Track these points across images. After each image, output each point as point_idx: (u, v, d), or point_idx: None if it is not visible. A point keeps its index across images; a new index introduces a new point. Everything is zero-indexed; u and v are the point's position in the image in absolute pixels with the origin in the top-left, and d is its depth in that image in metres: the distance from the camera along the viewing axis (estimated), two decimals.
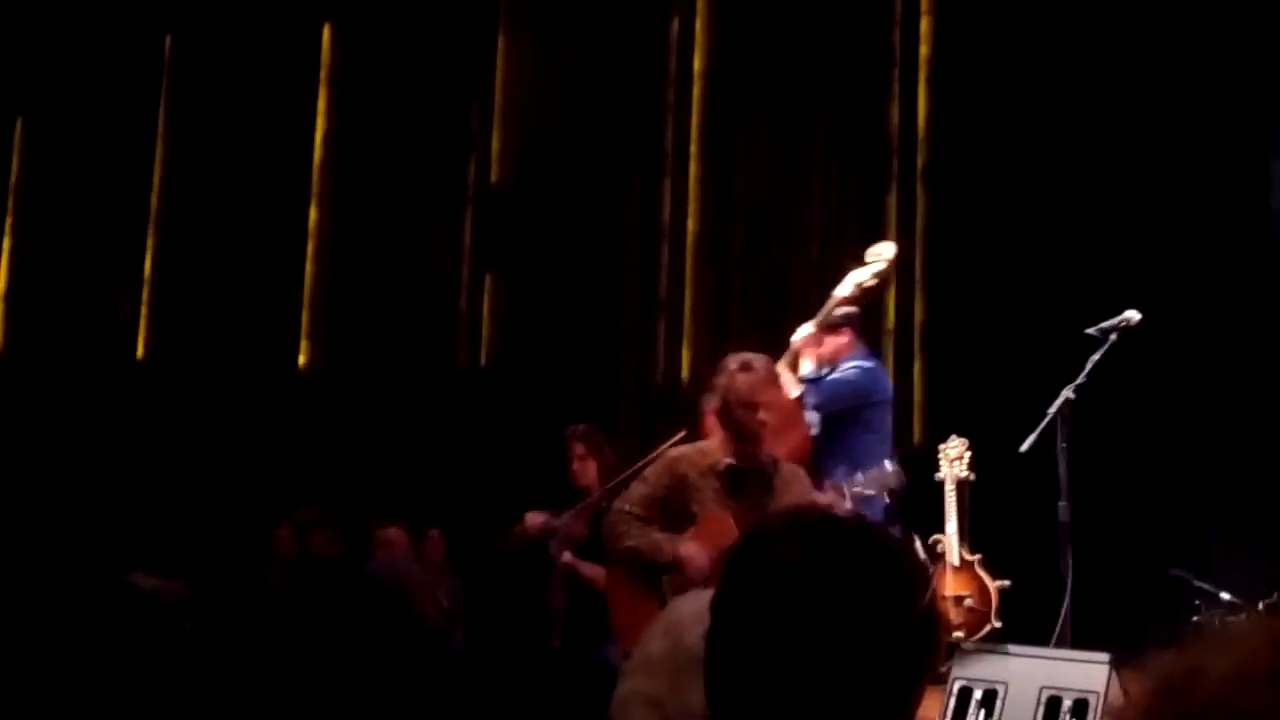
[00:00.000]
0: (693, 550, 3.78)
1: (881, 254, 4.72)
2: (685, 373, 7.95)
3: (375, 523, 5.47)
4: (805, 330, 4.71)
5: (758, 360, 3.93)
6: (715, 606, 1.17)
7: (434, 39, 7.96)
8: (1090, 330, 4.28)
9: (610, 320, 8.00)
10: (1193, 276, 6.30)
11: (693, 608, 1.47)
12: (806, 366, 4.64)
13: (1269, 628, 0.91)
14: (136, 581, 4.86)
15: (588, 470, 5.06)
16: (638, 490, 3.93)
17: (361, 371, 7.74)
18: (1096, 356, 4.03)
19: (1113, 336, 4.12)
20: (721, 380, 3.89)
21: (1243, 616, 5.05)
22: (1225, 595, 5.27)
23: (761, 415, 3.81)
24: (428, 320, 7.99)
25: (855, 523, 1.34)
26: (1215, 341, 6.30)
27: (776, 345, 7.91)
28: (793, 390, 4.67)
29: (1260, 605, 5.13)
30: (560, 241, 8.00)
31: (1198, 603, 5.30)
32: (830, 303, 4.69)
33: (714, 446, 3.95)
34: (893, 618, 1.13)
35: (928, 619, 1.18)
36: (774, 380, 4.06)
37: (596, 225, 8.05)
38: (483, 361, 8.18)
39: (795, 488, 3.84)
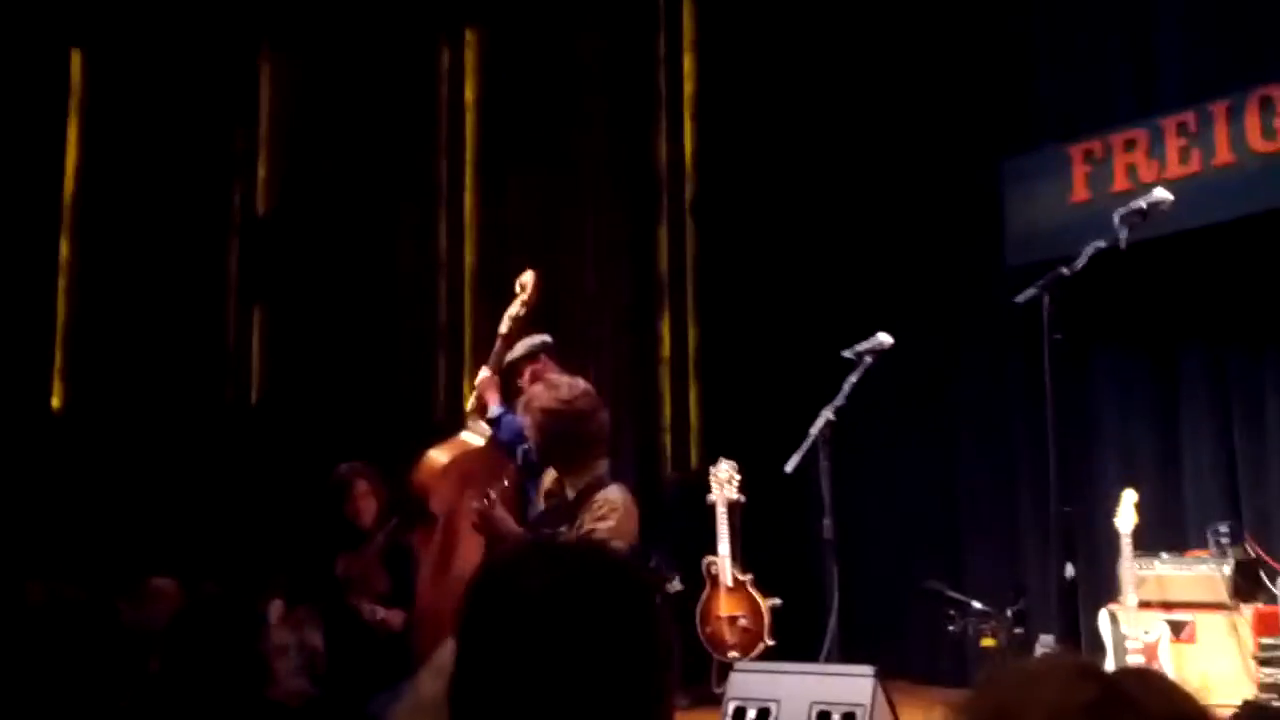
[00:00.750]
0: None
1: (524, 282, 4.85)
2: (468, 406, 7.89)
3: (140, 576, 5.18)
4: (483, 374, 4.75)
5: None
6: (460, 637, 1.17)
7: (193, 63, 7.69)
8: (846, 353, 4.52)
9: (387, 354, 7.89)
10: (937, 300, 6.73)
11: None
12: (493, 409, 4.69)
13: (1074, 661, 0.97)
14: None
15: (368, 509, 4.86)
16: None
17: (121, 412, 7.37)
18: (853, 378, 4.26)
19: (867, 358, 4.36)
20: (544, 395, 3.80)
21: (991, 623, 5.36)
22: (976, 604, 5.60)
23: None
24: (192, 356, 7.68)
25: (593, 549, 1.40)
26: (958, 360, 6.72)
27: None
28: (477, 439, 4.73)
29: (1008, 611, 5.48)
30: (332, 273, 7.84)
31: (952, 612, 5.62)
32: (498, 344, 4.74)
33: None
34: (637, 640, 1.15)
35: (665, 639, 1.22)
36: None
37: (370, 256, 7.93)
38: (253, 398, 7.92)
39: None
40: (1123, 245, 3.43)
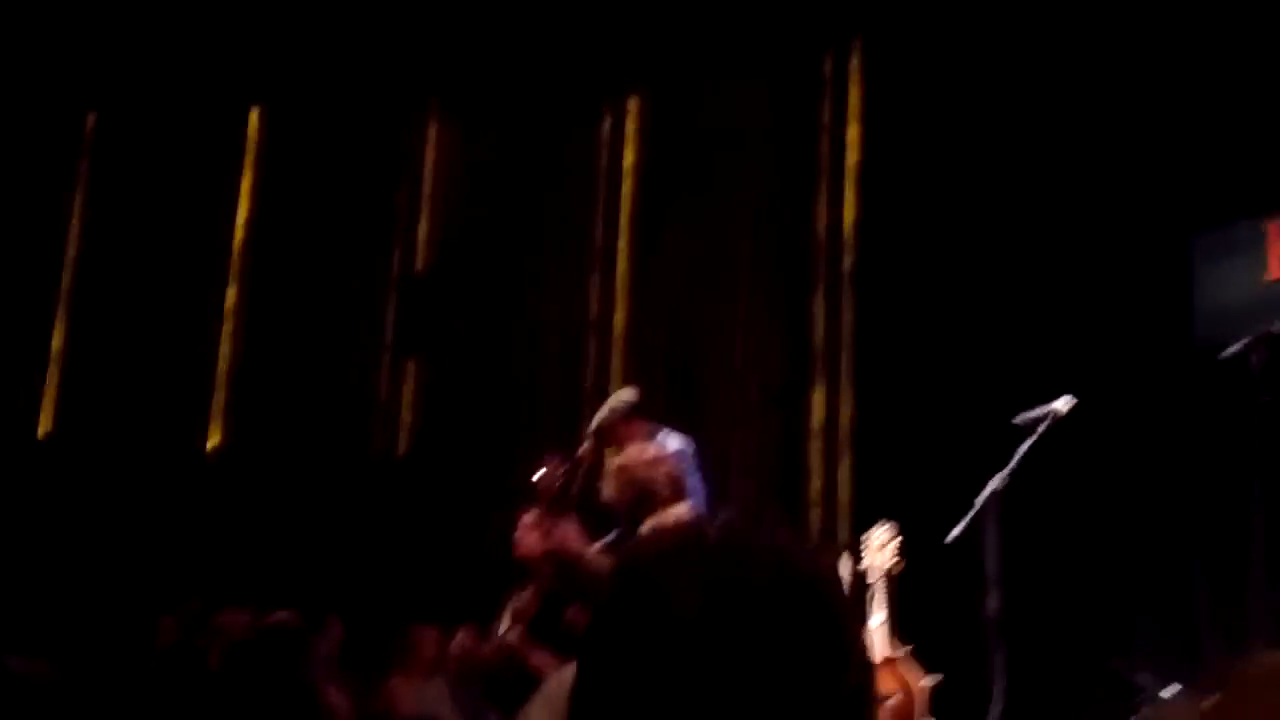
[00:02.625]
0: None
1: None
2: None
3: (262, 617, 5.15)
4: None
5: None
6: (584, 666, 0.91)
7: (362, 124, 7.90)
8: (1016, 420, 4.20)
9: (533, 413, 7.84)
10: (1119, 372, 6.32)
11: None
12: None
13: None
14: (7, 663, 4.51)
15: (531, 543, 4.67)
16: None
17: (272, 456, 7.46)
18: (1024, 447, 3.93)
19: (1041, 427, 4.03)
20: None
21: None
22: (1168, 692, 5.09)
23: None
24: (344, 407, 7.76)
25: (769, 548, 0.94)
26: (1139, 437, 6.31)
27: (698, 445, 7.83)
28: None
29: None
30: (485, 331, 7.87)
31: (1137, 701, 5.14)
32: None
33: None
34: (822, 686, 0.87)
35: (862, 683, 0.91)
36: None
37: (522, 316, 7.94)
38: (400, 450, 7.95)
39: None
40: None
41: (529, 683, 4.25)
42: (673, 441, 5.01)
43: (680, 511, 3.45)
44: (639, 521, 3.51)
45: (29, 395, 7.43)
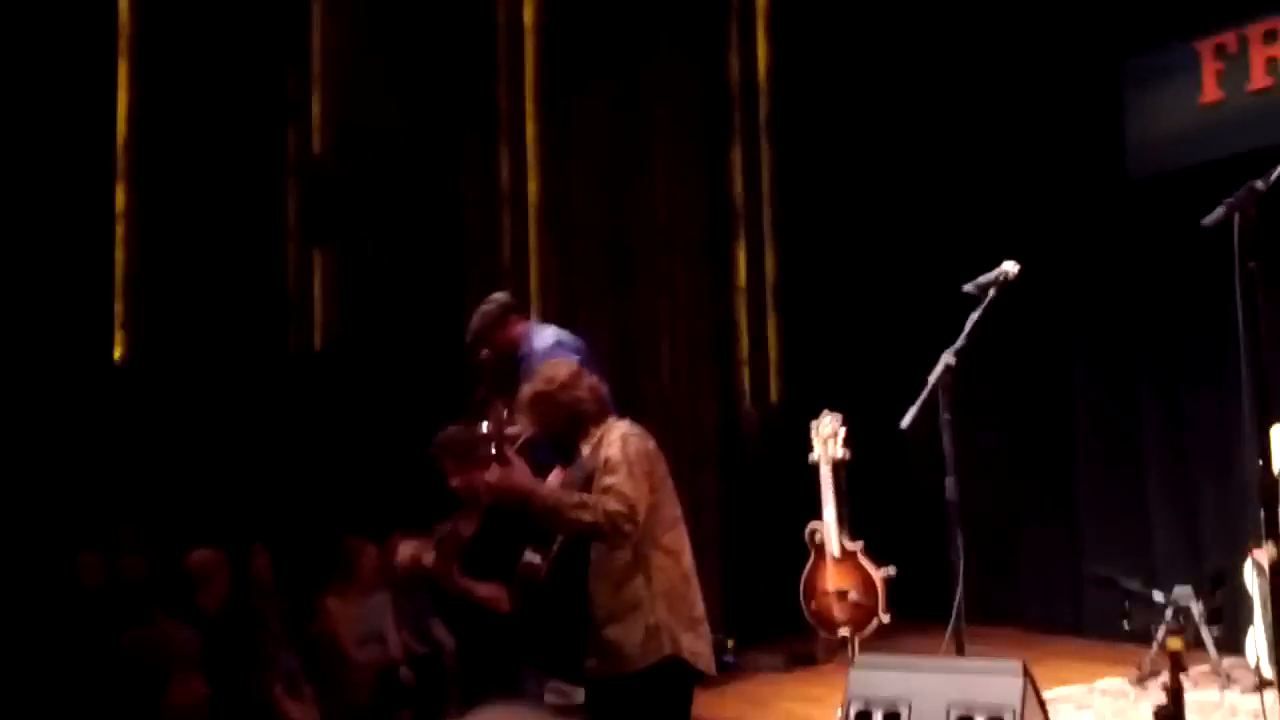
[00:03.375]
0: None
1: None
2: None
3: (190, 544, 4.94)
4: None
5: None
6: None
7: (241, 2, 7.37)
8: (968, 287, 3.97)
9: (451, 293, 7.58)
10: (1053, 219, 6.15)
11: None
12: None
13: None
14: None
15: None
16: None
17: (184, 362, 7.16)
18: (976, 315, 3.73)
19: (991, 293, 3.83)
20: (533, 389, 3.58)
21: (1178, 621, 4.80)
22: (1158, 596, 5.02)
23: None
24: (254, 304, 7.44)
25: None
26: (1078, 290, 6.19)
27: (624, 314, 7.65)
28: None
29: (1197, 606, 4.86)
30: (393, 213, 7.53)
31: (1127, 605, 5.07)
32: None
33: None
34: None
35: None
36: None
37: (430, 194, 7.60)
38: (316, 345, 7.67)
39: None
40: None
41: (466, 605, 4.12)
42: (547, 334, 4.84)
43: (619, 429, 3.37)
44: (573, 444, 3.44)
45: None
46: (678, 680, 3.25)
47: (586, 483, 3.29)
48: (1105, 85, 5.86)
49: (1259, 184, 2.82)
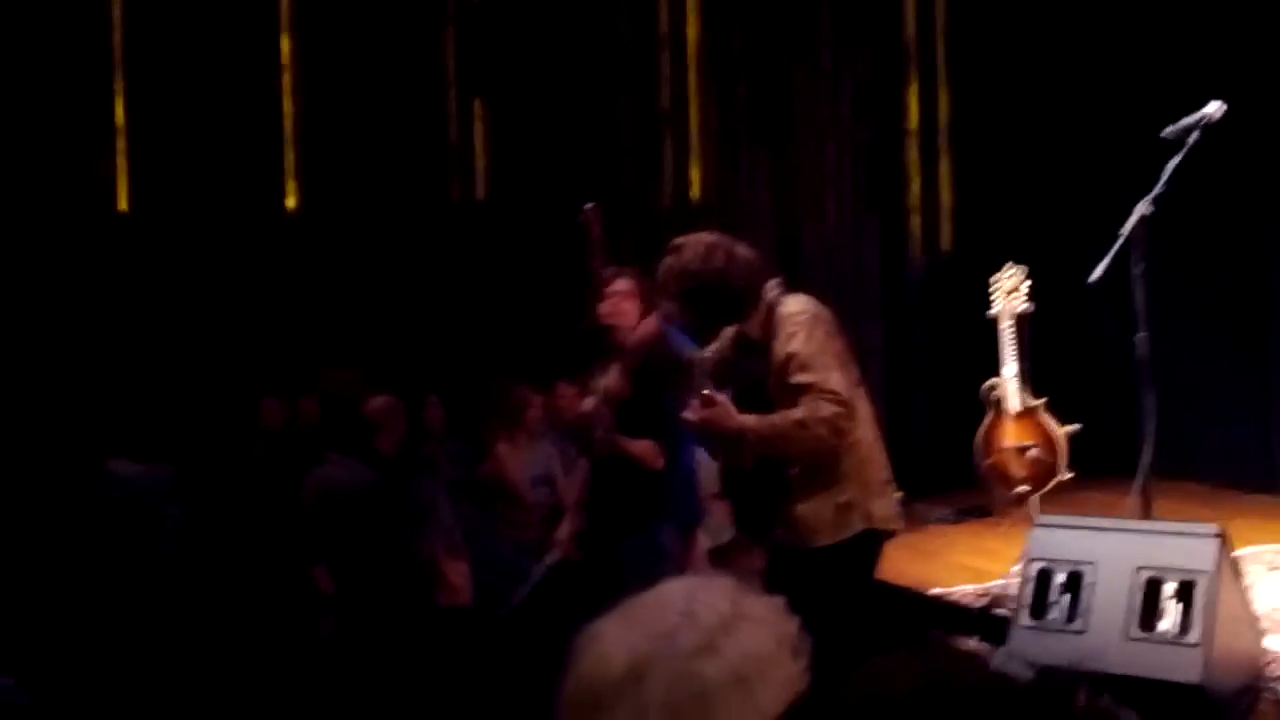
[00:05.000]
0: None
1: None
2: (695, 192, 7.48)
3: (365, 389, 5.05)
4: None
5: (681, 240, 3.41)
6: None
7: None
8: (1167, 131, 3.66)
9: (610, 141, 7.49)
10: (1260, 54, 5.61)
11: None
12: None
13: None
14: (114, 468, 4.50)
15: (628, 312, 4.04)
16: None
17: (353, 212, 7.28)
18: (1175, 161, 3.44)
19: (1193, 137, 3.51)
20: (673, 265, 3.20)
21: None
22: None
23: None
24: (417, 153, 7.48)
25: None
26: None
27: (787, 160, 7.44)
28: None
29: None
30: (551, 60, 7.42)
31: None
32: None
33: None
34: None
35: None
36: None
37: (588, 38, 7.45)
38: (479, 194, 7.70)
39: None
40: None
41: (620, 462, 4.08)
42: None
43: (789, 310, 3.12)
44: (723, 328, 3.24)
45: (101, 170, 7.24)
46: (868, 545, 3.14)
47: (764, 379, 3.06)
48: None
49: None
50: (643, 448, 3.94)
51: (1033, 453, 5.07)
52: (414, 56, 7.49)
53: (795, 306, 3.09)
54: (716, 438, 3.07)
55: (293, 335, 6.84)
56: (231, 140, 7.21)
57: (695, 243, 3.17)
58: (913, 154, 7.47)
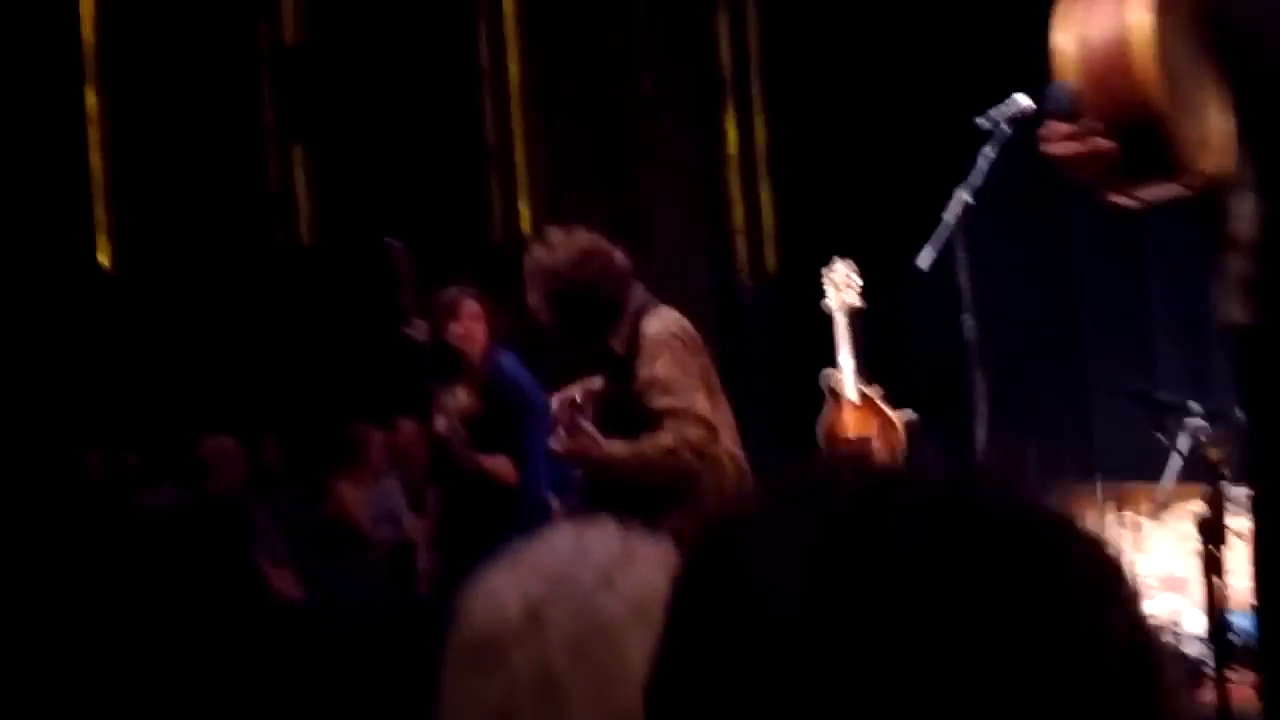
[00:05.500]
0: None
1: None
2: (526, 226, 7.50)
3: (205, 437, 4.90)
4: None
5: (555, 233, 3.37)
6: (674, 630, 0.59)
7: None
8: (980, 120, 3.82)
9: (437, 181, 7.46)
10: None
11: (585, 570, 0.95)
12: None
13: None
14: None
15: (477, 334, 4.11)
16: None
17: (172, 264, 7.05)
18: (990, 152, 3.58)
19: (1006, 128, 3.66)
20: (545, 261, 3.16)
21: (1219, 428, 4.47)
22: (1195, 405, 4.77)
23: None
24: (237, 201, 7.31)
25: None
26: None
27: (615, 189, 7.53)
28: None
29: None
30: (372, 100, 7.36)
31: (1164, 422, 4.87)
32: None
33: None
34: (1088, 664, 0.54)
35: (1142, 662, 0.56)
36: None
37: (408, 78, 7.42)
38: (304, 239, 7.56)
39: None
40: None
41: (476, 480, 4.06)
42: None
43: (654, 328, 3.13)
44: (594, 341, 3.22)
45: None
46: None
47: (629, 398, 3.03)
48: None
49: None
50: (498, 464, 3.94)
51: (874, 441, 5.20)
52: (229, 103, 7.33)
53: (656, 326, 3.06)
54: (584, 467, 3.08)
55: (117, 388, 6.57)
56: (38, 199, 6.92)
57: (569, 244, 3.11)
58: (734, 178, 7.65)
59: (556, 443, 3.05)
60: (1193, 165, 2.12)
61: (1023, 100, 3.77)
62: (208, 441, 4.54)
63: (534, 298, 3.17)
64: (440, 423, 4.01)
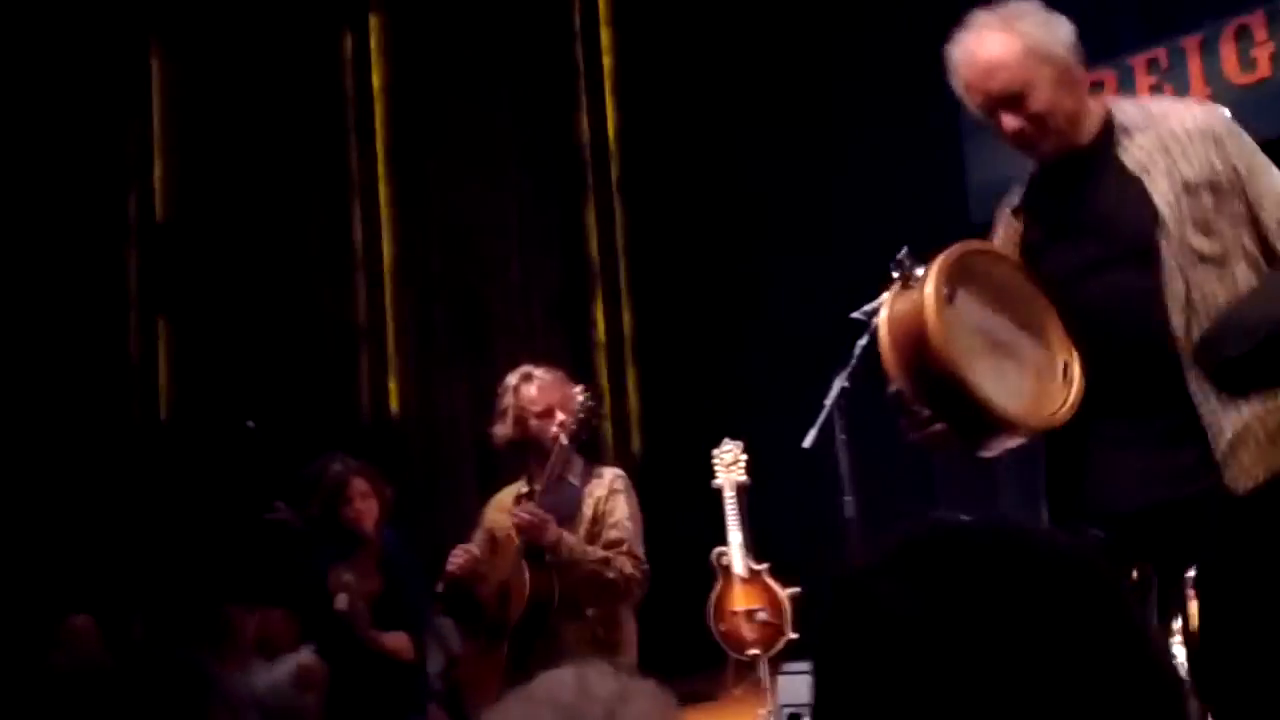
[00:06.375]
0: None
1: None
2: (394, 404, 7.51)
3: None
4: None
5: (536, 369, 3.61)
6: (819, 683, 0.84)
7: (77, 62, 7.14)
8: (856, 314, 4.12)
9: (306, 358, 7.44)
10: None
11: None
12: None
13: None
14: None
15: (368, 512, 4.17)
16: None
17: (22, 436, 6.80)
18: (864, 341, 3.89)
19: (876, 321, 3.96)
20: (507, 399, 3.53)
21: None
22: None
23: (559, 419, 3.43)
24: (96, 375, 7.14)
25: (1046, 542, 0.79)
26: None
27: (483, 372, 7.63)
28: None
29: None
30: (243, 277, 7.36)
31: None
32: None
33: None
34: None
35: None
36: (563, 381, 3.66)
37: (281, 257, 7.46)
38: (162, 415, 7.39)
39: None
40: None
41: (373, 657, 4.02)
42: None
43: (612, 471, 3.61)
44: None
45: None
46: None
47: (573, 520, 3.35)
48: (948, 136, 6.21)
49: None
50: (399, 641, 3.91)
51: (761, 615, 5.36)
52: (94, 276, 7.22)
53: (614, 472, 3.49)
54: (533, 543, 3.28)
55: None
56: None
57: (559, 379, 3.59)
58: (602, 364, 7.84)
59: (518, 512, 3.30)
60: (1018, 419, 2.26)
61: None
62: (70, 620, 4.36)
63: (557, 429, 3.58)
64: (342, 600, 3.96)
